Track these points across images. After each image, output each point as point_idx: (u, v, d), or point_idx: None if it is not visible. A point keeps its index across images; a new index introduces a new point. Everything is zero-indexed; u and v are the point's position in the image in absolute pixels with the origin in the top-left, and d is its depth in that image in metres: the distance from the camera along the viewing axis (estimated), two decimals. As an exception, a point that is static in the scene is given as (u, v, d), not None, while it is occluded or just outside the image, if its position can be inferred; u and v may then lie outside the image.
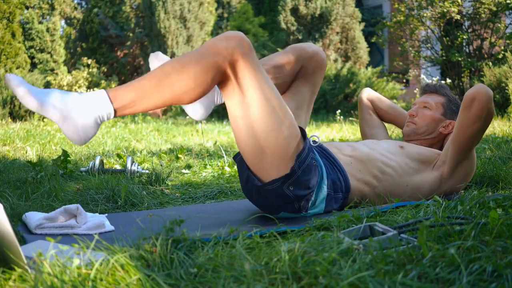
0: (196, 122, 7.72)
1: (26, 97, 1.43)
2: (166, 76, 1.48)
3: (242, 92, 1.53)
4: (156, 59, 1.78)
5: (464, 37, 7.21)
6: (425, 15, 7.22)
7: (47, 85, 10.11)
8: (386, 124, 2.38)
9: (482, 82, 6.19)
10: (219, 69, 1.50)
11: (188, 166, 3.07)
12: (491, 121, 1.86)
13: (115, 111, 1.48)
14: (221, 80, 1.53)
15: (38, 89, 1.46)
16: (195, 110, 1.79)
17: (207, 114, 1.81)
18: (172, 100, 1.52)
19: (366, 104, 2.33)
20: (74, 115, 1.45)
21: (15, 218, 1.75)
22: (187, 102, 1.54)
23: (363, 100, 2.34)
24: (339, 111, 6.56)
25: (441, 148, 2.12)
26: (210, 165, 3.05)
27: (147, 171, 2.67)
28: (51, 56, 12.43)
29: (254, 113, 1.54)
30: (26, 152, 3.65)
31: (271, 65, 1.81)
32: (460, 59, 7.01)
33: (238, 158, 1.75)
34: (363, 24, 11.43)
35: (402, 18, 7.61)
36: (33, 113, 8.28)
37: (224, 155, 3.34)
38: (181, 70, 1.48)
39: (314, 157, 1.68)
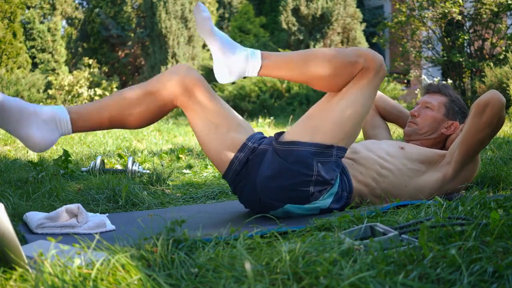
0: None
1: (204, 22, 1.61)
2: (313, 59, 1.66)
3: (350, 89, 1.68)
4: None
5: (465, 37, 7.19)
6: (426, 15, 7.21)
7: (48, 85, 10.10)
8: (388, 124, 2.36)
9: (483, 82, 6.18)
10: (356, 68, 1.66)
11: (189, 166, 3.07)
12: (502, 127, 1.85)
13: (261, 66, 1.66)
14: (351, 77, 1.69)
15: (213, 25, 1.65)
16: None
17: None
18: (307, 79, 1.69)
19: None
20: (231, 52, 1.64)
21: (16, 218, 1.75)
22: (319, 87, 1.71)
23: None
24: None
25: (442, 149, 2.10)
26: (211, 165, 3.04)
27: (148, 171, 2.67)
28: (52, 56, 12.43)
29: (349, 106, 1.67)
30: (27, 152, 3.65)
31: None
32: (461, 59, 6.99)
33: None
34: (364, 24, 11.42)
35: (403, 18, 7.59)
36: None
37: (225, 155, 3.34)
38: (328, 58, 1.66)
39: (341, 161, 1.74)
